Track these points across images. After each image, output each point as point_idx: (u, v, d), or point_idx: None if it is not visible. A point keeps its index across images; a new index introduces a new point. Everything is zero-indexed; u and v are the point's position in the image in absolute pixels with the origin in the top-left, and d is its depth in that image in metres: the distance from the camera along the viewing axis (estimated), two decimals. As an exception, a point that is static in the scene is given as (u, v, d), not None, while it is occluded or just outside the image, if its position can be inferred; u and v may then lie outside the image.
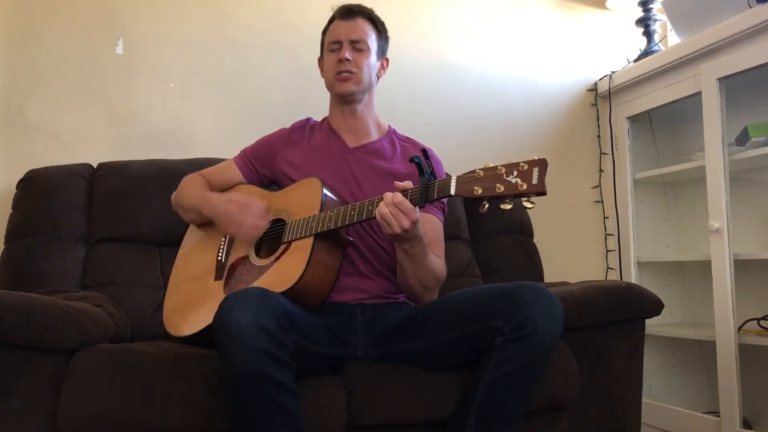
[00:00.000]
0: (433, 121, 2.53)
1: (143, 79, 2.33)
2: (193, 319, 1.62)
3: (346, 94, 1.75)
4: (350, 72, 1.73)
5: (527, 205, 1.29)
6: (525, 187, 1.27)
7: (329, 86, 1.80)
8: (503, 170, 1.29)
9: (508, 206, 1.30)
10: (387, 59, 1.85)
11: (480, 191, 1.30)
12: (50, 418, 1.37)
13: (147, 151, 2.26)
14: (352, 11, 1.78)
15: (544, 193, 1.26)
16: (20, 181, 2.04)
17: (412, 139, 1.86)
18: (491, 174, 1.31)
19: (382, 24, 1.82)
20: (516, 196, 1.28)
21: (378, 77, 1.82)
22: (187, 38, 2.37)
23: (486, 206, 1.32)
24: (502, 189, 1.28)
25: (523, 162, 1.29)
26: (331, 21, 1.82)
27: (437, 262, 1.61)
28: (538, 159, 1.28)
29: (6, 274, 1.91)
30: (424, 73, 2.56)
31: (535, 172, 1.27)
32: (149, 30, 2.34)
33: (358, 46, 1.75)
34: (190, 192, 1.81)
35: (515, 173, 1.28)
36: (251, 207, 1.64)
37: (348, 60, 1.72)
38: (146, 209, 2.00)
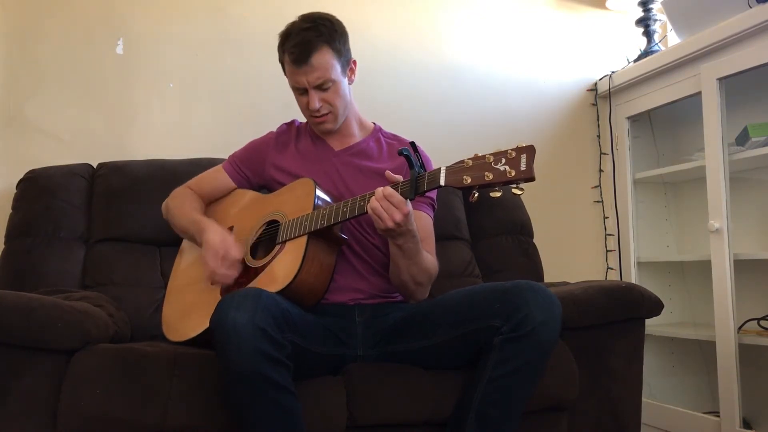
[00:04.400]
0: (433, 121, 2.53)
1: (143, 79, 2.33)
2: (191, 324, 1.62)
3: (326, 132, 1.75)
4: (325, 113, 1.68)
5: (516, 191, 1.30)
6: (513, 173, 1.27)
7: (305, 117, 1.76)
8: (491, 158, 1.31)
9: (498, 194, 1.32)
10: (354, 61, 1.73)
11: (469, 180, 1.31)
12: (50, 418, 1.37)
13: (147, 151, 2.26)
14: (303, 53, 1.60)
15: (532, 179, 1.27)
16: (20, 181, 2.04)
17: (399, 136, 1.85)
18: (480, 163, 1.32)
19: (335, 32, 1.64)
20: (505, 183, 1.29)
21: (351, 82, 1.74)
22: (187, 38, 2.37)
23: (476, 195, 1.33)
24: (491, 177, 1.29)
25: (511, 149, 1.30)
26: (283, 59, 1.68)
27: (429, 258, 1.61)
28: (525, 146, 1.29)
29: (6, 274, 1.91)
30: (424, 73, 2.55)
31: (523, 158, 1.28)
32: (149, 30, 2.34)
33: (324, 86, 1.64)
34: (180, 213, 1.79)
35: (503, 161, 1.29)
36: (226, 259, 1.60)
37: (320, 107, 1.66)
38: (146, 209, 2.00)
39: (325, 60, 1.62)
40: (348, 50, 1.69)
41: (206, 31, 2.39)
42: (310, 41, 1.61)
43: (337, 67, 1.65)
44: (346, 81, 1.70)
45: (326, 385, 1.48)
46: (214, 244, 1.61)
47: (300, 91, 1.68)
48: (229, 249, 1.61)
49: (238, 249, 1.63)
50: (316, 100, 1.65)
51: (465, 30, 2.62)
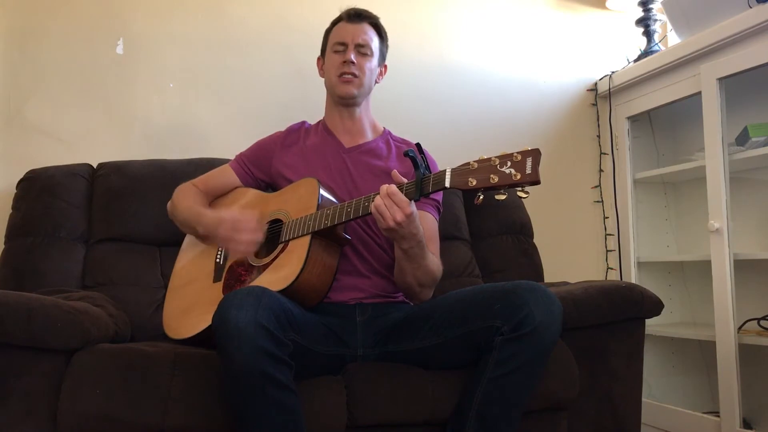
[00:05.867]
0: (433, 121, 2.53)
1: (143, 79, 2.33)
2: (193, 321, 1.62)
3: (348, 96, 1.76)
4: (353, 75, 1.74)
5: (521, 195, 1.30)
6: (519, 177, 1.28)
7: (330, 87, 1.80)
8: (497, 161, 1.31)
9: (503, 196, 1.32)
10: (386, 66, 1.88)
11: (474, 183, 1.31)
12: (50, 418, 1.37)
13: (147, 151, 2.26)
14: (359, 15, 1.80)
15: (537, 182, 1.27)
16: (20, 181, 2.04)
17: (407, 140, 1.87)
18: (485, 165, 1.32)
19: (385, 32, 1.85)
20: (510, 186, 1.30)
21: (376, 82, 1.84)
22: (187, 38, 2.37)
23: (481, 198, 1.33)
24: (497, 180, 1.29)
25: (517, 152, 1.30)
26: (336, 22, 1.83)
27: (435, 261, 1.61)
28: (531, 149, 1.29)
29: (6, 274, 1.91)
30: (425, 74, 2.55)
31: (529, 161, 1.28)
32: (149, 30, 2.35)
33: (362, 50, 1.76)
34: (183, 206, 1.79)
35: (509, 164, 1.29)
36: (243, 222, 1.59)
37: (353, 63, 1.74)
38: (146, 209, 2.00)
39: (373, 33, 1.81)
40: (385, 53, 1.86)
41: (206, 31, 2.39)
42: (370, 16, 1.82)
43: (377, 50, 1.81)
44: (377, 69, 1.83)
45: (326, 385, 1.48)
46: (228, 216, 1.61)
47: (339, 48, 1.77)
48: (243, 214, 1.60)
49: (252, 212, 1.62)
50: (352, 54, 1.75)
51: (465, 30, 2.63)
